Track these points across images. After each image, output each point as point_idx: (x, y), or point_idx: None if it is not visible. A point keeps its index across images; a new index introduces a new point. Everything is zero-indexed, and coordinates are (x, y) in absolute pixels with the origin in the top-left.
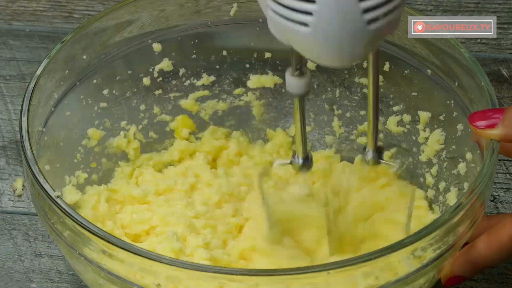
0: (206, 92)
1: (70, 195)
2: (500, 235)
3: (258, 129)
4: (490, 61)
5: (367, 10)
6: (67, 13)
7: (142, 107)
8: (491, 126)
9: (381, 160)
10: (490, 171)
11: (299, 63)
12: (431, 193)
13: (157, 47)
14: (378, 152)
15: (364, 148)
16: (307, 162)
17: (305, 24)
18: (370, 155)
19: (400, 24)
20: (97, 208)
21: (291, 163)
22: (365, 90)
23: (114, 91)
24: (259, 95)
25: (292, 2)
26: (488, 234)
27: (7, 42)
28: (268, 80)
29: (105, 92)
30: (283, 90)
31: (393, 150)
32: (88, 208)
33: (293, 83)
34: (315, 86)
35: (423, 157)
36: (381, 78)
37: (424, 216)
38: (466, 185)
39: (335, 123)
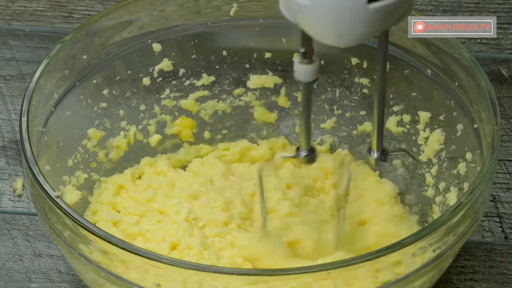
0: (206, 92)
1: (70, 195)
2: None
3: (258, 129)
4: (490, 61)
5: None
6: (67, 13)
7: (142, 107)
8: None
9: (385, 163)
10: (490, 171)
11: (308, 48)
12: (431, 193)
13: (157, 47)
14: (383, 154)
15: (369, 150)
16: (311, 155)
17: None
18: (375, 156)
19: (404, 19)
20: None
21: (294, 156)
22: (365, 90)
23: (114, 91)
24: (259, 95)
25: None
26: None
27: (7, 42)
28: (268, 80)
29: (105, 92)
30: (283, 90)
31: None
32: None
33: (301, 69)
34: (315, 86)
35: (423, 157)
36: None
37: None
38: (466, 185)
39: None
